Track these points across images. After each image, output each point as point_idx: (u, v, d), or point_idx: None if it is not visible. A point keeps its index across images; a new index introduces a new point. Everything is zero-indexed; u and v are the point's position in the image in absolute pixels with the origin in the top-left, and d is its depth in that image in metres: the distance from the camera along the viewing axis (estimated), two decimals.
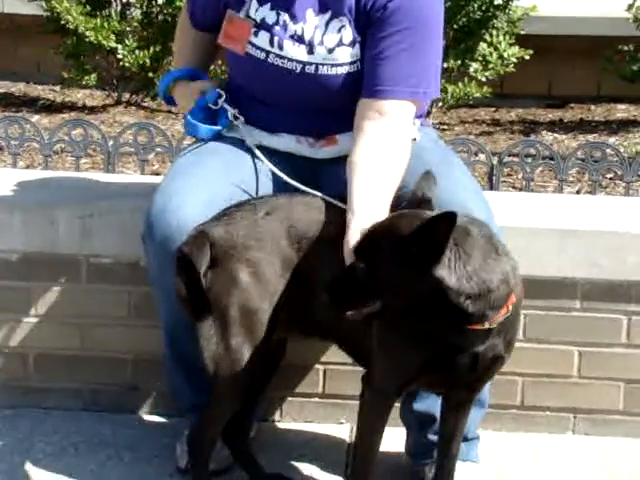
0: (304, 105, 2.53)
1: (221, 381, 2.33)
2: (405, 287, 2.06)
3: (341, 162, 2.42)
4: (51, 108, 5.10)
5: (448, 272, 2.02)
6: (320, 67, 2.48)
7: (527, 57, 4.80)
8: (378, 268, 2.08)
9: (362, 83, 2.44)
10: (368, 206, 2.27)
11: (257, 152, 2.53)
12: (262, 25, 2.50)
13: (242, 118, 2.57)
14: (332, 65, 2.47)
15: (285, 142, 2.59)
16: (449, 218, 2.00)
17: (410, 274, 2.05)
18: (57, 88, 5.42)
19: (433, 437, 2.51)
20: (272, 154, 2.56)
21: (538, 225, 2.82)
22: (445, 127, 4.92)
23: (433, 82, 2.48)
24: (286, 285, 2.33)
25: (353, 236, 2.21)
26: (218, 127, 2.59)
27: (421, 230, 2.03)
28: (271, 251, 2.33)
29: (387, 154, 2.36)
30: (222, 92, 2.58)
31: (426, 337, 2.15)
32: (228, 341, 2.30)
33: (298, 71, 2.49)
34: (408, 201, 2.24)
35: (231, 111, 2.57)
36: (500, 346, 2.17)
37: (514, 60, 4.79)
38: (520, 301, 2.19)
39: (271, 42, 2.50)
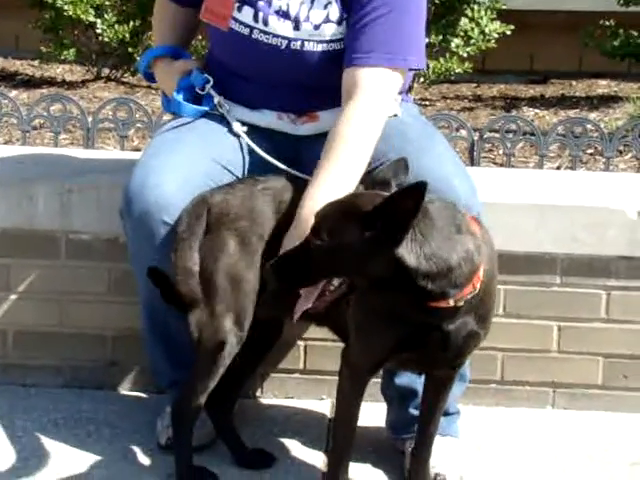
0: (286, 81, 2.51)
1: (204, 348, 2.35)
2: (368, 265, 2.03)
3: (322, 139, 2.40)
4: (30, 83, 5.06)
5: (407, 252, 2.01)
6: (306, 43, 2.46)
7: (508, 32, 4.80)
8: (342, 245, 2.04)
9: None
10: (327, 183, 2.27)
11: (243, 135, 2.52)
12: (245, 0, 2.48)
13: (227, 106, 2.56)
14: (318, 42, 2.45)
15: (266, 118, 2.58)
16: (419, 188, 1.96)
17: (373, 250, 2.02)
18: (36, 63, 5.38)
19: (414, 411, 2.52)
20: (253, 131, 2.55)
21: (518, 200, 2.82)
22: (427, 103, 4.91)
23: (414, 51, 2.44)
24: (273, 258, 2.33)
25: (307, 214, 2.21)
26: (204, 107, 2.57)
27: (390, 200, 2.00)
28: (261, 224, 2.36)
29: (360, 127, 2.33)
30: (210, 78, 2.56)
31: (395, 317, 2.15)
32: (212, 308, 2.33)
33: (283, 47, 2.47)
34: (366, 182, 2.22)
35: (217, 98, 2.56)
36: (472, 323, 2.17)
37: (495, 35, 4.79)
38: (491, 278, 2.18)
39: (255, 17, 2.47)
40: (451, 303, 2.09)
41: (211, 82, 2.56)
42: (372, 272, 2.05)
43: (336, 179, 2.28)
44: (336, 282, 2.10)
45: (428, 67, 4.75)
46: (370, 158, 2.39)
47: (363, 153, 2.33)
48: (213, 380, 2.38)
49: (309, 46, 2.46)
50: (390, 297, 2.11)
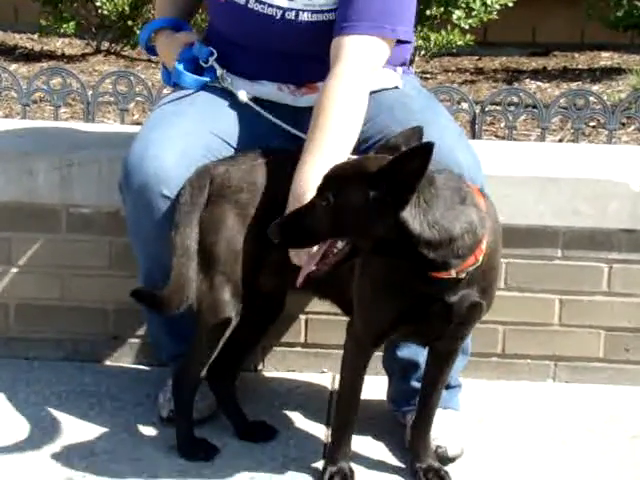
0: (284, 52, 2.50)
1: (203, 319, 2.37)
2: (372, 226, 2.03)
3: None
4: (29, 57, 5.03)
5: (411, 217, 2.01)
6: (300, 13, 2.45)
7: (510, 4, 4.77)
8: (347, 205, 2.04)
9: None
10: (315, 158, 2.26)
11: (249, 102, 2.52)
12: None
13: (229, 79, 2.55)
14: (312, 12, 2.44)
15: (266, 90, 2.57)
16: (426, 148, 1.96)
17: (378, 212, 2.01)
18: (35, 36, 5.35)
19: (416, 384, 2.52)
20: (254, 102, 2.54)
21: (520, 174, 2.81)
22: (428, 76, 4.88)
23: (404, 22, 2.42)
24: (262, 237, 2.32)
25: (299, 190, 2.22)
26: (205, 78, 2.56)
27: (397, 161, 1.99)
28: (262, 197, 2.37)
29: (345, 98, 2.32)
30: (214, 50, 2.55)
31: (398, 289, 2.15)
32: (211, 279, 2.35)
33: (278, 17, 2.46)
34: (378, 147, 2.21)
35: (220, 71, 2.55)
36: (475, 295, 2.17)
37: (497, 7, 4.75)
38: (495, 251, 2.18)
39: None
40: (453, 274, 2.08)
41: (215, 54, 2.55)
42: (375, 234, 2.04)
43: (325, 152, 2.27)
44: (340, 244, 2.09)
45: (429, 39, 4.72)
46: (373, 131, 2.38)
47: (350, 123, 2.32)
48: (212, 351, 2.39)
49: (304, 16, 2.44)
50: (392, 267, 2.10)
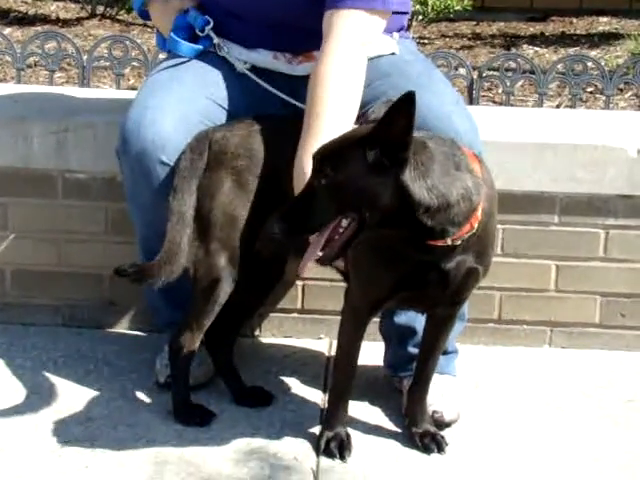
0: (280, 22, 2.48)
1: (199, 285, 2.37)
2: (377, 194, 1.99)
3: None
4: (24, 21, 4.99)
5: (411, 180, 1.99)
6: None
7: None
8: (349, 176, 2.00)
9: None
10: (317, 133, 2.23)
11: (248, 73, 2.51)
12: None
13: (226, 48, 2.53)
14: None
15: (262, 58, 2.55)
16: (408, 99, 1.93)
17: (379, 176, 1.98)
18: (29, 0, 5.30)
19: (413, 350, 2.53)
20: (251, 70, 2.53)
21: (517, 139, 2.80)
22: (425, 41, 4.86)
23: None
24: (269, 198, 2.33)
25: (304, 167, 2.18)
26: (200, 46, 2.55)
27: (384, 120, 1.97)
28: (259, 164, 2.36)
29: (339, 75, 2.29)
30: (210, 19, 2.53)
31: (393, 256, 2.14)
32: (207, 245, 2.35)
33: None
34: (360, 120, 2.19)
35: (216, 40, 2.53)
36: (471, 261, 2.16)
37: None
38: (490, 218, 2.17)
39: None
40: (448, 242, 2.08)
41: (211, 24, 2.53)
42: (381, 203, 2.00)
43: (325, 134, 2.23)
44: (344, 223, 2.04)
45: (427, 4, 4.69)
46: (370, 97, 2.37)
47: (346, 102, 2.29)
48: (209, 317, 2.39)
49: None
50: (389, 236, 2.09)
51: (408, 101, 1.94)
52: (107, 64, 3.50)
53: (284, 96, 2.48)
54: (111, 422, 2.44)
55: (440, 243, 2.08)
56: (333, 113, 2.26)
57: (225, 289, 2.37)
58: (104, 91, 3.52)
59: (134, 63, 3.53)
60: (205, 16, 2.54)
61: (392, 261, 2.16)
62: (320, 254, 2.06)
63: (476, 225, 2.09)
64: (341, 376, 2.36)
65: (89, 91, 3.27)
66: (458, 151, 2.08)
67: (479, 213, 2.09)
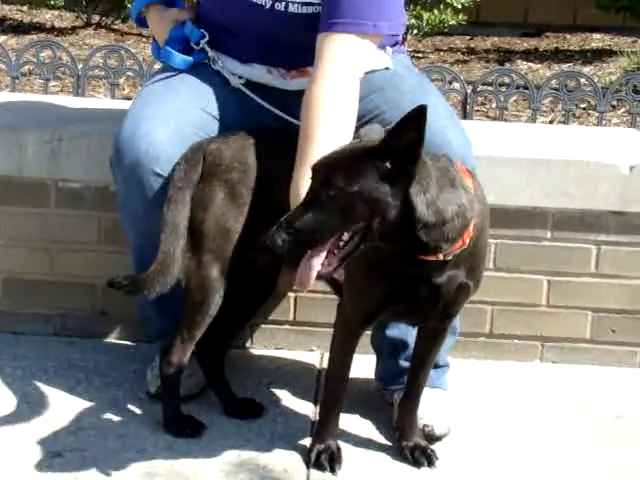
0: (275, 40, 2.50)
1: (190, 297, 2.38)
2: (388, 206, 1.98)
3: None
4: (18, 29, 5.00)
5: (416, 194, 2.00)
6: (290, 5, 2.43)
7: None
8: (361, 188, 1.97)
9: None
10: (307, 155, 2.23)
11: (242, 88, 2.52)
12: None
13: (220, 62, 2.54)
14: (302, 4, 2.43)
15: (256, 72, 2.56)
16: (419, 113, 1.94)
17: (390, 189, 1.97)
18: (25, 8, 5.31)
19: (404, 363, 2.53)
20: (245, 85, 2.54)
21: (510, 155, 2.81)
22: (420, 55, 4.88)
23: (387, 16, 2.38)
24: (263, 211, 2.33)
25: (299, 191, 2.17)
26: (191, 58, 2.55)
27: (394, 133, 1.97)
28: (252, 176, 2.37)
29: (331, 101, 2.29)
30: (205, 33, 2.54)
31: (385, 271, 2.14)
32: (200, 257, 2.36)
33: (268, 7, 2.45)
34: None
35: (212, 54, 2.54)
36: (462, 276, 2.17)
37: None
38: (482, 233, 2.18)
39: None
40: (440, 257, 2.09)
41: (206, 38, 2.54)
42: (389, 215, 1.99)
43: (321, 152, 2.17)
44: (346, 236, 2.01)
45: (422, 18, 4.71)
46: (364, 111, 2.37)
47: (340, 122, 2.29)
48: (200, 329, 2.39)
49: (293, 8, 2.43)
50: (380, 249, 2.09)
51: (419, 115, 1.94)
52: (102, 73, 3.50)
53: (277, 111, 2.49)
54: (101, 432, 2.44)
55: (432, 258, 2.09)
56: (326, 137, 2.26)
57: (216, 301, 2.37)
58: (98, 101, 3.52)
59: (129, 73, 3.54)
60: (201, 30, 2.55)
61: (384, 275, 2.16)
62: (320, 268, 2.03)
63: (468, 241, 2.10)
64: (333, 388, 2.36)
65: (83, 100, 3.27)
66: (452, 167, 2.09)
67: (471, 229, 2.10)
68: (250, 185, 2.37)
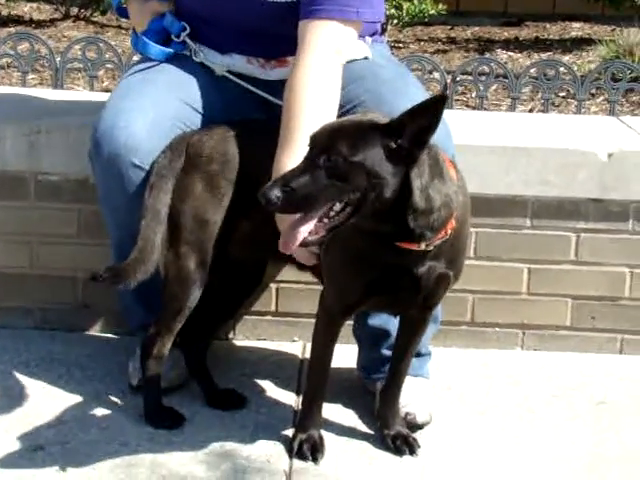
0: (254, 30, 2.49)
1: (168, 288, 2.38)
2: (387, 182, 1.96)
3: None
4: None
5: (416, 176, 1.99)
6: None
7: None
8: (366, 159, 1.95)
9: None
10: (293, 140, 2.23)
11: (228, 75, 2.52)
12: None
13: (202, 54, 2.54)
14: None
15: (236, 62, 2.55)
16: (441, 101, 1.94)
17: (394, 165, 1.96)
18: (2, 0, 5.27)
19: (386, 352, 2.54)
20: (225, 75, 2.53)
21: (490, 143, 2.82)
22: (400, 45, 4.87)
23: (375, 3, 2.40)
24: (243, 204, 2.33)
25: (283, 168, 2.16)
26: (170, 50, 2.55)
27: (413, 113, 1.95)
28: (232, 168, 2.36)
29: (314, 86, 2.29)
30: (187, 26, 2.54)
31: (365, 260, 2.13)
32: (177, 248, 2.36)
33: None
34: None
35: (193, 46, 2.53)
36: (442, 266, 2.17)
37: None
38: (463, 224, 2.18)
39: None
40: (422, 246, 2.09)
41: (187, 30, 2.54)
42: (387, 191, 1.97)
43: (301, 144, 2.19)
44: (337, 207, 1.98)
45: (402, 8, 4.71)
46: (343, 101, 2.37)
47: (324, 108, 2.28)
48: (178, 320, 2.39)
49: None
50: (361, 237, 2.09)
51: (439, 102, 1.94)
52: (81, 66, 3.49)
53: (262, 93, 2.48)
54: (83, 425, 2.43)
55: (414, 247, 2.09)
56: (310, 119, 2.25)
57: (195, 292, 2.37)
58: (77, 93, 3.50)
59: (108, 65, 3.53)
60: (182, 22, 2.54)
61: (364, 265, 2.15)
62: (306, 234, 1.99)
63: (450, 232, 2.10)
64: (314, 378, 2.36)
65: (62, 93, 3.26)
66: (440, 157, 2.10)
67: (453, 220, 2.10)
68: (231, 177, 2.36)
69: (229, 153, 2.37)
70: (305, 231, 1.99)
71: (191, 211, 2.35)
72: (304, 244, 2.02)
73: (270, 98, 2.47)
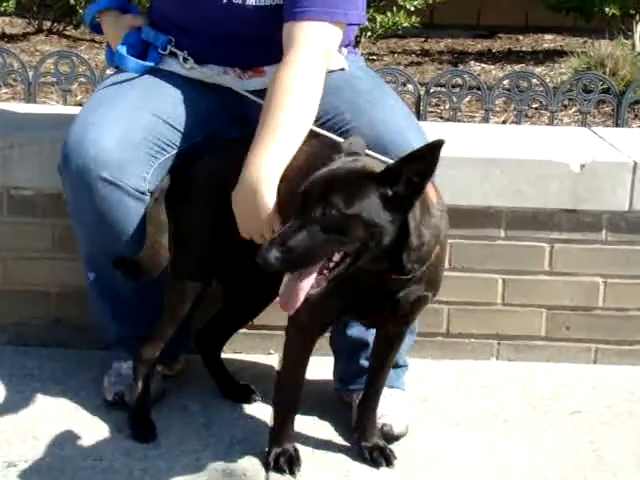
0: (231, 36, 2.49)
1: (168, 298, 2.44)
2: (387, 230, 1.93)
3: None
4: None
5: (411, 218, 1.96)
6: None
7: None
8: (364, 210, 1.90)
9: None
10: (268, 149, 2.22)
11: (221, 82, 2.54)
12: None
13: (193, 63, 2.53)
14: None
15: (212, 73, 2.55)
16: (437, 146, 1.88)
17: (392, 213, 1.93)
18: None
19: (365, 363, 2.53)
20: (201, 85, 2.53)
21: (464, 155, 2.83)
22: (374, 57, 4.90)
23: (358, 4, 2.41)
24: (230, 223, 2.30)
25: (252, 178, 2.20)
26: (149, 63, 2.55)
27: (408, 161, 1.91)
28: (216, 186, 2.35)
29: (300, 85, 2.28)
30: (172, 38, 2.54)
31: (345, 285, 2.04)
32: (179, 259, 2.41)
33: (225, 1, 2.43)
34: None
35: (182, 55, 2.53)
36: (422, 288, 2.15)
37: None
38: (444, 247, 2.16)
39: None
40: (409, 276, 2.06)
41: (173, 41, 2.53)
42: (386, 239, 1.94)
43: (278, 140, 2.23)
44: (337, 257, 1.94)
45: (375, 21, 4.73)
46: (321, 112, 2.38)
47: (304, 111, 2.28)
48: (173, 327, 2.43)
49: (251, 1, 2.42)
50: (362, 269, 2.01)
51: (435, 148, 1.89)
52: (54, 80, 3.48)
53: (245, 93, 2.48)
54: (58, 441, 2.41)
55: (399, 276, 2.06)
56: (290, 118, 2.25)
57: (192, 304, 2.41)
58: (51, 107, 3.49)
59: (81, 79, 3.52)
60: (167, 35, 2.53)
61: (343, 288, 2.07)
62: (307, 288, 1.94)
63: (433, 257, 2.08)
64: (287, 393, 2.34)
65: (35, 107, 3.25)
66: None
67: (438, 246, 2.08)
68: (216, 196, 2.35)
69: (232, 169, 2.31)
70: (306, 288, 1.94)
71: (194, 225, 2.39)
72: (310, 295, 1.97)
73: (252, 97, 2.46)
